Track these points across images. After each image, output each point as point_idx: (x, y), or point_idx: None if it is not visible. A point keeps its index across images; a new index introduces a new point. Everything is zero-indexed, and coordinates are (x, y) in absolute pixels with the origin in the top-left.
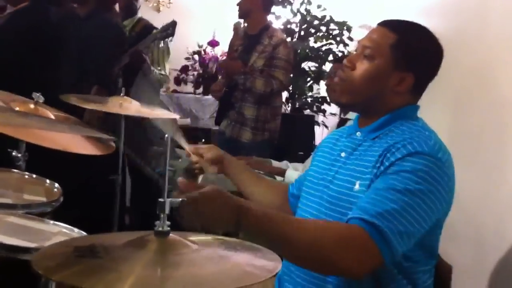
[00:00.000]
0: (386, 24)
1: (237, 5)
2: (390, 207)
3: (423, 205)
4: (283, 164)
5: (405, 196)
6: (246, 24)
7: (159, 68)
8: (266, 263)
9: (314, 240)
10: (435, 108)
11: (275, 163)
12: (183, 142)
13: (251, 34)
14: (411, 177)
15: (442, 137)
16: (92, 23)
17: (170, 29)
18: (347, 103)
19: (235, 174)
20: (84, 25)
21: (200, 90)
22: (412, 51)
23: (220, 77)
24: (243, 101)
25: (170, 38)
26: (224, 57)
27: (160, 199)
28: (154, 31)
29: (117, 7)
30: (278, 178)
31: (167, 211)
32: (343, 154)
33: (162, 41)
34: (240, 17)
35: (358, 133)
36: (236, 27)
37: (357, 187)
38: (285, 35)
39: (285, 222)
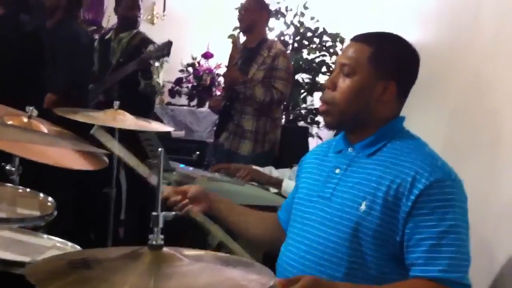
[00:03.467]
0: (359, 39)
1: (240, 19)
2: (449, 254)
3: (465, 229)
4: (266, 169)
5: (452, 233)
6: (245, 37)
7: (155, 76)
8: (259, 277)
9: None
10: (429, 116)
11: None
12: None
13: (250, 47)
14: (443, 212)
15: (436, 146)
16: (59, 33)
17: (165, 49)
18: (337, 124)
19: (222, 210)
20: (51, 35)
21: (194, 102)
22: (390, 60)
23: (216, 91)
24: (242, 113)
25: (165, 58)
26: (219, 69)
27: (154, 213)
28: (151, 48)
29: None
30: (273, 190)
31: (160, 224)
32: (337, 171)
33: (157, 61)
34: (243, 31)
35: (350, 149)
36: (234, 40)
37: (363, 207)
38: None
39: None
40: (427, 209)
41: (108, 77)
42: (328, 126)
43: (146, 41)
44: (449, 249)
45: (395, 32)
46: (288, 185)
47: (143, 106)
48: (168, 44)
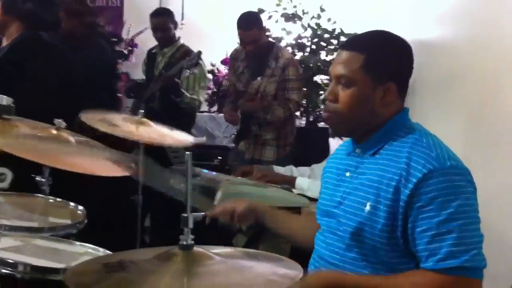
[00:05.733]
0: (350, 47)
1: (242, 40)
2: (452, 240)
3: (469, 212)
4: (288, 169)
5: (452, 221)
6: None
7: (191, 93)
8: (288, 271)
9: None
10: (448, 115)
11: (277, 169)
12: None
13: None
14: (441, 201)
15: (456, 144)
16: (83, 49)
17: (195, 58)
18: (345, 133)
19: (271, 219)
20: (77, 53)
21: (215, 108)
22: (384, 63)
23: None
24: (262, 125)
25: (196, 67)
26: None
27: (184, 214)
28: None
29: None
30: (296, 191)
31: (190, 225)
32: (348, 174)
33: (188, 70)
34: (246, 48)
35: (358, 150)
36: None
37: (367, 208)
38: (290, 52)
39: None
40: (424, 200)
41: (145, 91)
42: (336, 135)
43: (189, 52)
44: (450, 236)
45: (413, 32)
46: (301, 182)
47: (182, 120)
48: (198, 54)
